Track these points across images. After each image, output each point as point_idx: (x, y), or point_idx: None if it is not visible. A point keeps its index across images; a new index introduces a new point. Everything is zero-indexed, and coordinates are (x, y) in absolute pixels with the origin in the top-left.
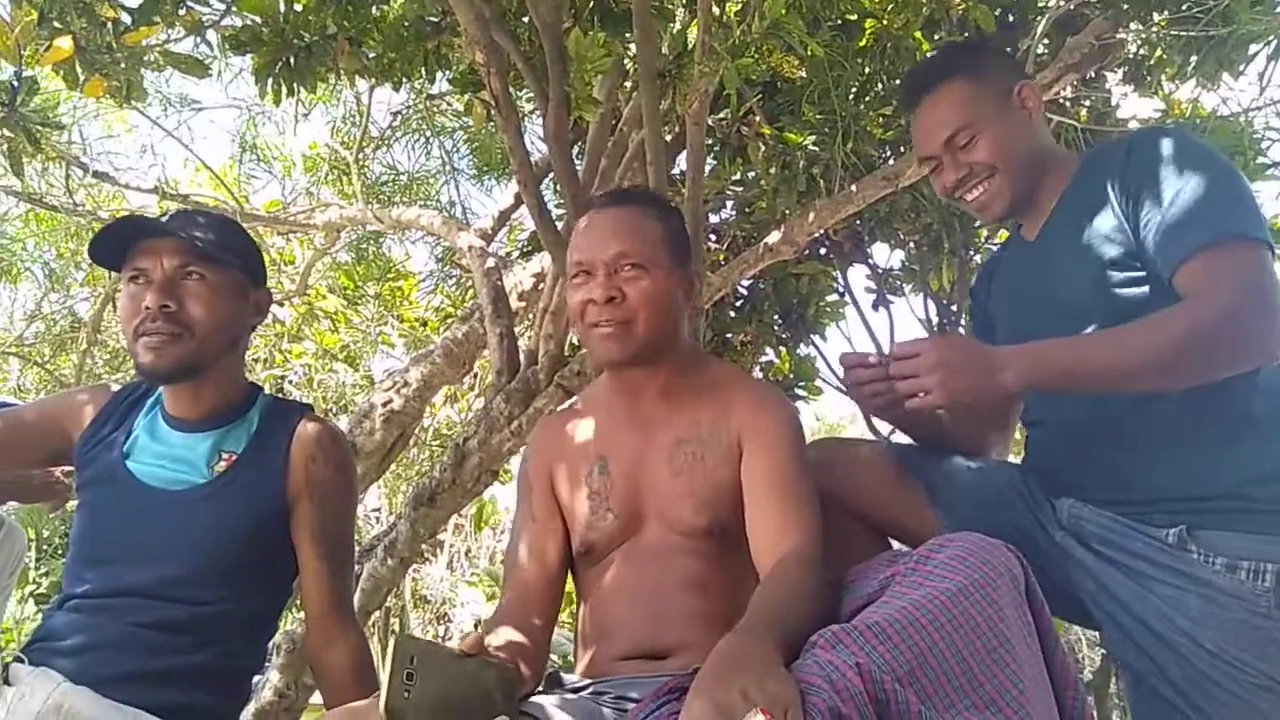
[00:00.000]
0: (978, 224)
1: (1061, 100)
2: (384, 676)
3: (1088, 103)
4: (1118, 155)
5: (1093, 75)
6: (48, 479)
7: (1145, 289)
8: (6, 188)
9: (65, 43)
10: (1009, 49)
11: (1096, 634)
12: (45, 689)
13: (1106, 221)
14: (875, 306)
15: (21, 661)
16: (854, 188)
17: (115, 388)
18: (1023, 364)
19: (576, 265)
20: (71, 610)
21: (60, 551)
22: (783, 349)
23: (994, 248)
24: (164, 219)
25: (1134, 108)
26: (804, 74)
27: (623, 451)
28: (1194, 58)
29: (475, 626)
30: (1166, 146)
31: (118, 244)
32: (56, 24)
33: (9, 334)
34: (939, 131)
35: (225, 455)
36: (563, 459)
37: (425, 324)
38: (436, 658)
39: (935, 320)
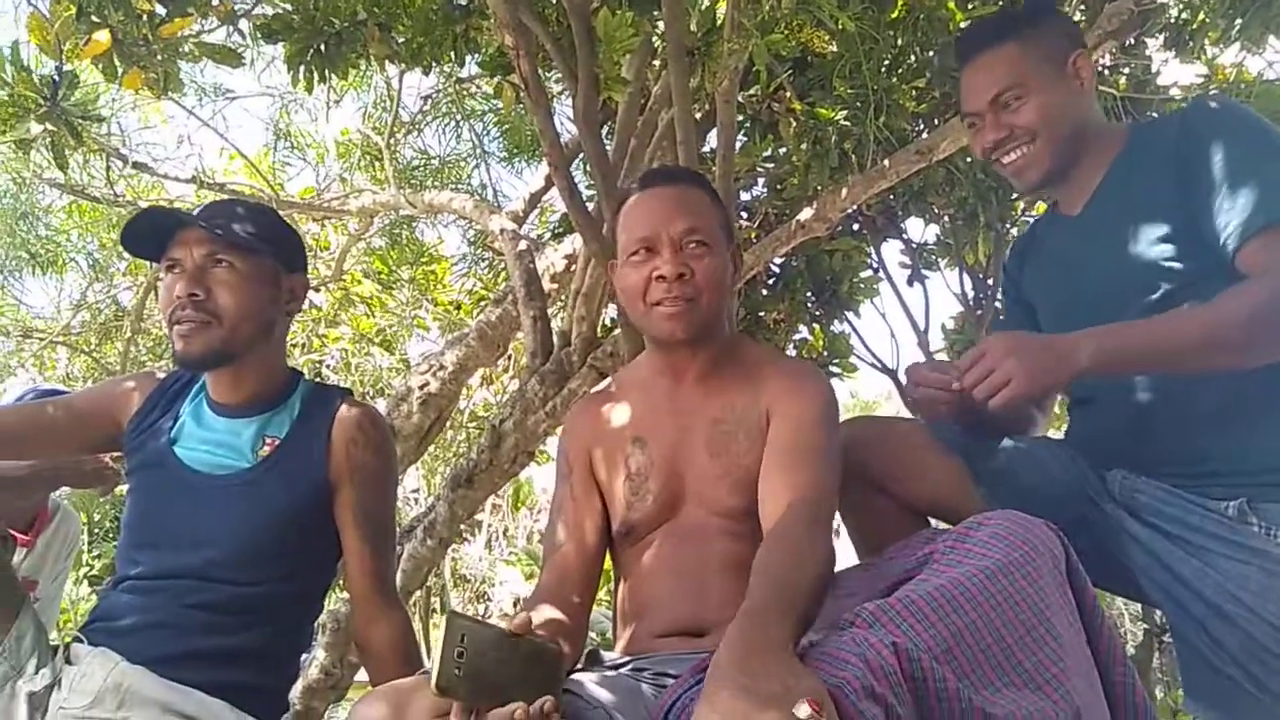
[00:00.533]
0: (1014, 196)
1: (1100, 69)
2: (436, 652)
3: (1126, 70)
4: (1169, 131)
5: (1132, 42)
6: (98, 465)
7: (1199, 266)
8: (50, 180)
9: (103, 36)
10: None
11: (1139, 608)
12: (104, 668)
13: (1159, 199)
14: (910, 282)
15: (81, 641)
16: (887, 162)
17: (161, 375)
18: (1096, 346)
19: (640, 241)
20: (125, 592)
21: (111, 535)
22: (816, 326)
23: (1031, 219)
24: (197, 209)
25: (1175, 74)
26: (835, 48)
27: (661, 433)
28: (1239, 21)
29: (514, 605)
30: (1221, 121)
31: (155, 235)
32: (94, 18)
33: (57, 323)
34: (987, 88)
35: (268, 440)
36: (601, 440)
37: (459, 307)
38: (487, 636)
39: (971, 295)
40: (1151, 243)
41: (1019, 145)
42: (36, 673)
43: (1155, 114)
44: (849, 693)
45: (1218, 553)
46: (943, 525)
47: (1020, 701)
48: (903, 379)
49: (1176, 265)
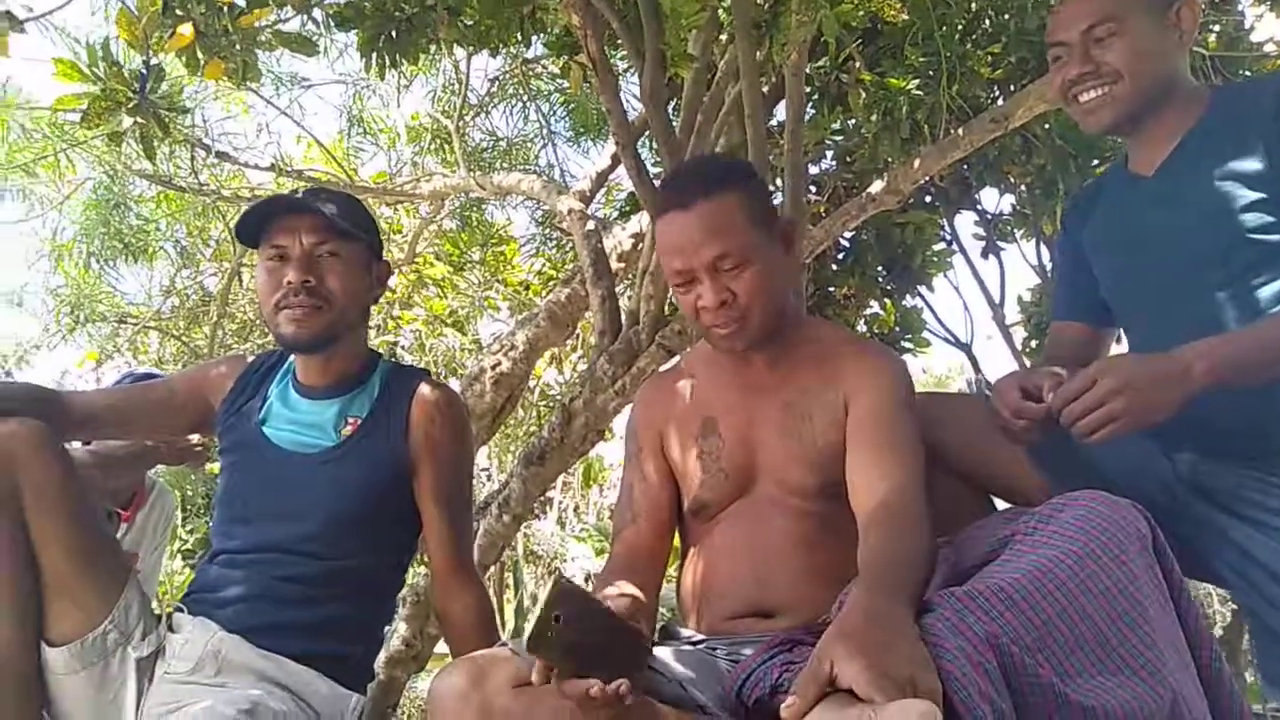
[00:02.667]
0: (1095, 163)
1: None
2: (536, 610)
3: (1217, 28)
4: (1266, 97)
5: None
6: (188, 443)
7: None
8: (139, 171)
9: (187, 29)
10: None
11: (1227, 590)
12: (204, 636)
13: (1250, 166)
14: (984, 254)
15: (182, 611)
16: (960, 131)
17: (250, 359)
18: (1207, 366)
19: (675, 274)
20: (221, 565)
21: (204, 511)
22: (888, 301)
23: None
24: (299, 196)
25: (1271, 29)
26: (906, 16)
27: (732, 413)
28: None
29: (585, 580)
30: None
31: (256, 222)
32: (178, 11)
33: (148, 309)
34: (1082, 18)
35: (351, 420)
36: (671, 419)
37: (528, 287)
38: (586, 608)
39: (1048, 266)
40: (1233, 213)
41: (1102, 84)
42: (143, 640)
43: (1248, 73)
44: (958, 689)
45: None
46: (1004, 505)
47: (1116, 691)
48: (976, 355)
49: (1266, 238)
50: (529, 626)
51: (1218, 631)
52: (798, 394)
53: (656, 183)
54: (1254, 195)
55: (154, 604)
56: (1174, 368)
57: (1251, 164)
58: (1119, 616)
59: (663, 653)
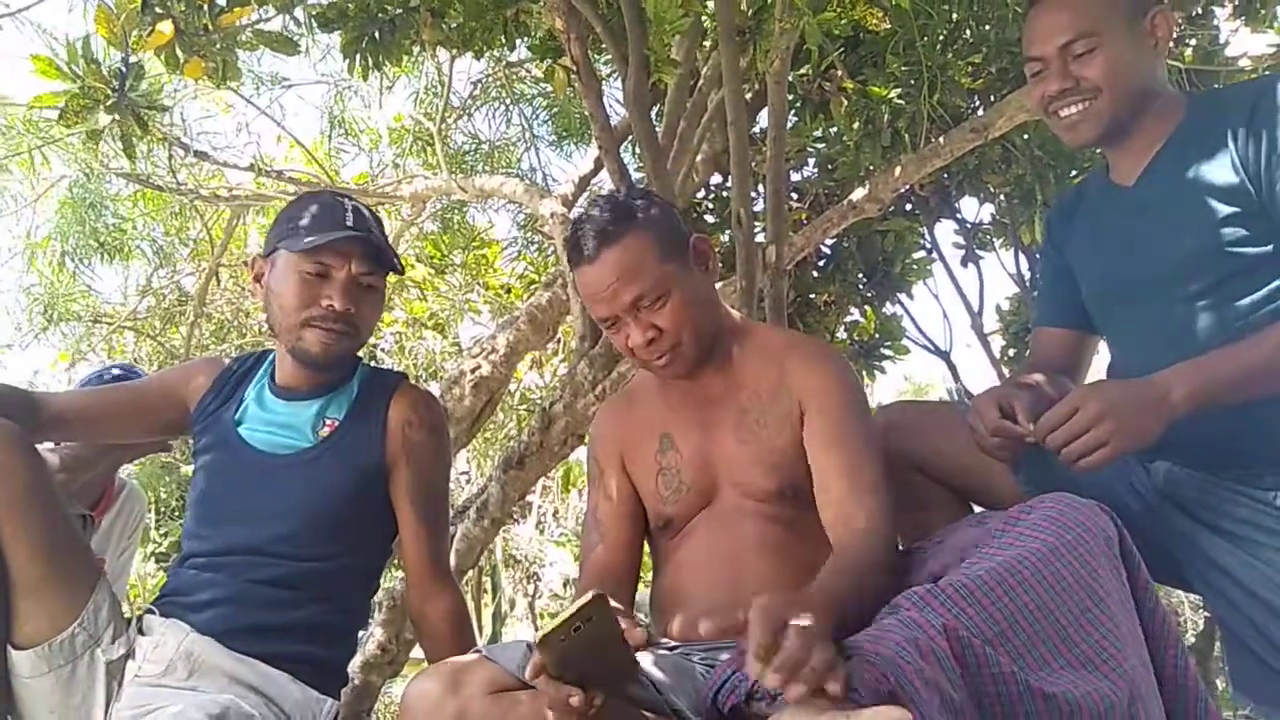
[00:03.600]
0: (1073, 173)
1: None
2: (564, 612)
3: (1193, 42)
4: (1240, 106)
5: (1199, 11)
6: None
7: (1264, 249)
8: (117, 170)
9: (166, 27)
10: None
11: (1199, 597)
12: (176, 638)
13: (1224, 175)
14: (964, 263)
15: (153, 613)
16: (941, 140)
17: (227, 361)
18: (1187, 390)
19: (601, 320)
20: (192, 567)
21: (178, 513)
22: (868, 308)
23: None
24: (349, 212)
25: (1244, 44)
26: (888, 25)
27: (687, 427)
28: None
29: (564, 586)
30: None
31: (306, 227)
32: (158, 9)
33: (124, 309)
34: (1058, 34)
35: (328, 421)
36: (629, 440)
37: (510, 291)
38: (610, 633)
39: (1027, 275)
40: (1209, 226)
41: (1082, 100)
42: (113, 642)
43: (1220, 86)
44: (904, 682)
45: (1264, 544)
46: (980, 509)
47: (1078, 682)
48: (955, 363)
49: (1241, 249)
50: (547, 625)
51: (1189, 639)
52: (751, 399)
53: (639, 187)
54: (1228, 209)
55: (124, 608)
56: (1154, 393)
57: (1225, 176)
58: (1081, 613)
59: (640, 657)
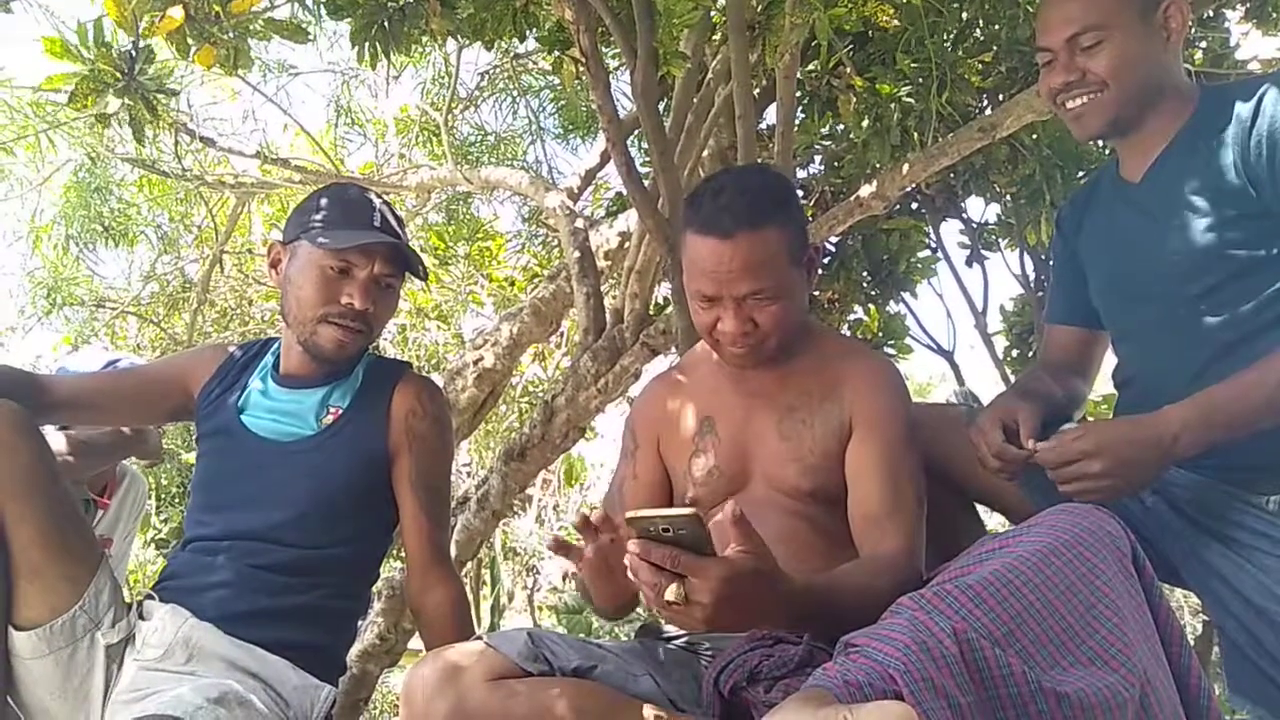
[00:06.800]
0: (1081, 174)
1: None
2: (663, 510)
3: (1203, 44)
4: (1244, 106)
5: (1210, 14)
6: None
7: (1264, 251)
8: (122, 155)
9: (177, 12)
10: None
11: (1199, 600)
12: (175, 623)
13: (1226, 176)
14: (969, 263)
15: (153, 598)
16: (949, 139)
17: (231, 348)
18: (1191, 437)
19: (701, 295)
20: (193, 552)
21: (178, 500)
22: (872, 306)
23: None
24: (377, 212)
25: (1255, 48)
26: (898, 22)
27: (730, 414)
28: None
29: (564, 579)
30: None
31: (330, 220)
32: None
33: (128, 294)
34: (1066, 25)
35: (332, 409)
36: (670, 421)
37: (513, 283)
38: (697, 536)
39: (1031, 276)
40: (1211, 228)
41: (1088, 92)
42: (113, 626)
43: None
44: (914, 686)
45: (1258, 548)
46: (994, 515)
47: (1090, 679)
48: (958, 363)
49: (1242, 252)
50: (650, 510)
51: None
52: (801, 399)
53: (645, 181)
54: (1230, 211)
55: (124, 590)
56: (1157, 439)
57: (1229, 175)
58: (1086, 610)
59: (640, 650)
